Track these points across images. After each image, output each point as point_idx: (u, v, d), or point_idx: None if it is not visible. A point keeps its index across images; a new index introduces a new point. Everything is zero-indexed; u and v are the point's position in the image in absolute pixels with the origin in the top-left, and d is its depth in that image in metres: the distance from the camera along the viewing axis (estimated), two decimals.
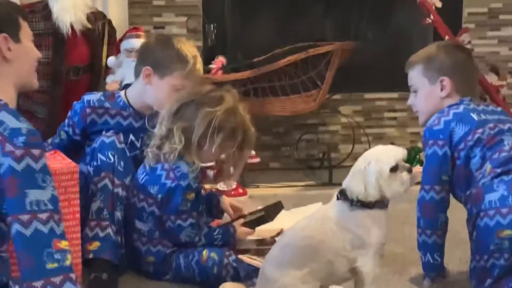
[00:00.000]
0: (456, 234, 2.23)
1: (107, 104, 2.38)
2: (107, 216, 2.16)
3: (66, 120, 2.43)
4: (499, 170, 1.91)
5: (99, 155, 2.21)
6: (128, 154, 2.28)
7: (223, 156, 2.29)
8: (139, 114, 2.44)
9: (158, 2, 3.72)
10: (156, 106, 2.39)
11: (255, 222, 2.35)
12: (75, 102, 2.41)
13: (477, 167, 1.99)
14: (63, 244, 1.50)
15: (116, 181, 2.18)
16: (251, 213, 2.43)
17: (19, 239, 1.46)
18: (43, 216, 1.48)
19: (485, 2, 3.97)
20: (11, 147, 1.48)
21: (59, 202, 1.53)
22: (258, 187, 3.50)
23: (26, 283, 1.47)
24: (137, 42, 3.09)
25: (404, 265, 2.34)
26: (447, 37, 3.42)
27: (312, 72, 3.48)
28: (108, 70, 3.29)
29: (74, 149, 2.42)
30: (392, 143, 3.81)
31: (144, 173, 2.25)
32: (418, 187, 2.09)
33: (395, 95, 3.99)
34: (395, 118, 4.02)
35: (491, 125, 2.03)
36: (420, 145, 3.77)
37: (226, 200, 2.50)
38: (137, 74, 2.35)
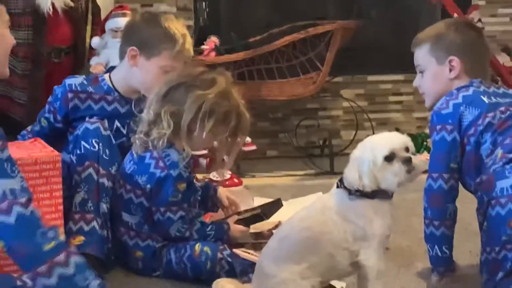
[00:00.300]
0: (466, 225, 2.23)
1: (90, 88, 2.36)
2: (92, 208, 2.15)
3: (47, 106, 2.41)
4: (511, 156, 1.91)
5: (82, 142, 2.19)
6: (113, 141, 2.26)
7: (215, 143, 2.28)
8: (125, 98, 2.42)
9: None
10: (143, 90, 2.37)
11: (250, 219, 2.35)
12: (55, 87, 2.39)
13: (487, 153, 1.98)
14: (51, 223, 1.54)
15: (101, 171, 2.17)
16: (246, 210, 2.42)
17: (5, 231, 1.46)
18: (22, 200, 1.49)
19: None
20: None
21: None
22: (254, 176, 3.49)
23: (31, 273, 1.48)
24: (123, 21, 3.05)
25: (411, 258, 2.34)
26: (455, 15, 3.41)
27: (311, 53, 3.47)
28: (92, 51, 3.28)
29: (55, 137, 2.40)
30: (397, 129, 3.82)
31: (132, 162, 2.24)
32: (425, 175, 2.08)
33: (400, 77, 3.98)
34: (400, 102, 4.01)
35: (503, 108, 2.02)
36: (427, 131, 3.76)
37: (223, 192, 2.48)
38: (122, 56, 2.33)
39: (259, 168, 3.60)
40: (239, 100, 2.23)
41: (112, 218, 2.23)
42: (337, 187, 1.94)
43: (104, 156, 2.19)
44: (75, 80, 2.38)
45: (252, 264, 2.06)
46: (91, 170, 2.17)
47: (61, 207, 2.06)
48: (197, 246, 2.18)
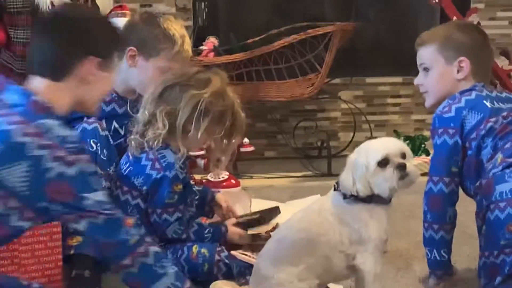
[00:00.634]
0: (464, 228, 2.21)
1: None
2: None
3: None
4: (510, 160, 1.89)
5: None
6: (111, 142, 2.24)
7: (211, 143, 2.26)
8: (123, 99, 2.40)
9: None
10: (141, 90, 2.35)
11: (248, 223, 2.33)
12: None
13: (488, 158, 1.96)
14: (132, 221, 1.66)
15: (99, 171, 2.15)
16: (244, 215, 2.41)
17: (95, 230, 1.60)
18: (107, 208, 1.61)
19: None
20: (62, 153, 1.54)
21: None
22: (252, 177, 3.47)
23: (115, 266, 1.64)
24: (122, 21, 3.02)
25: (409, 261, 2.33)
26: (454, 17, 3.40)
27: (310, 54, 3.45)
28: None
29: None
30: (395, 131, 3.82)
31: (128, 164, 2.22)
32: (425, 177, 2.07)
33: (399, 79, 3.97)
34: (398, 104, 4.00)
35: (505, 113, 2.00)
36: (425, 133, 3.76)
37: (220, 198, 2.46)
38: (120, 56, 2.31)
39: (257, 169, 3.59)
40: (234, 99, 2.21)
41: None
42: (334, 189, 1.93)
43: (102, 156, 2.17)
44: None
45: (250, 266, 2.05)
46: None
47: None
48: (195, 248, 2.16)
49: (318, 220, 1.90)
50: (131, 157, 2.21)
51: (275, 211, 2.44)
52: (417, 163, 2.72)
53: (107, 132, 2.23)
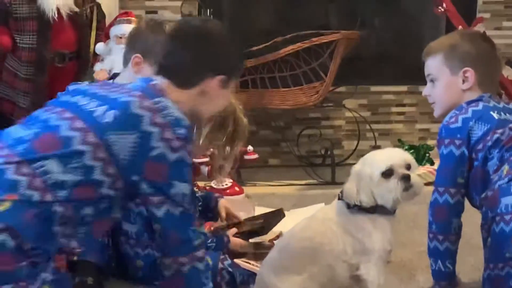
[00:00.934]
0: (469, 239, 2.20)
1: None
2: None
3: None
4: None
5: None
6: None
7: (214, 150, 2.25)
8: None
9: None
10: None
11: (249, 233, 2.33)
12: (59, 93, 2.37)
13: (494, 169, 1.95)
14: (198, 224, 1.72)
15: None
16: (248, 219, 2.40)
17: (170, 219, 1.63)
18: (188, 202, 1.64)
19: None
20: (170, 135, 1.59)
21: None
22: (255, 185, 3.47)
23: (173, 258, 1.65)
24: (128, 28, 3.05)
25: (412, 272, 2.32)
26: (460, 27, 3.39)
27: (315, 62, 3.46)
28: (96, 57, 3.26)
29: None
30: (400, 140, 3.82)
31: None
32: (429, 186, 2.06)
33: (403, 88, 3.97)
34: (403, 113, 4.00)
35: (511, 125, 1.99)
36: (429, 142, 3.75)
37: (223, 205, 2.45)
38: (126, 62, 2.31)
39: (261, 176, 3.58)
40: (236, 105, 2.20)
41: (112, 227, 2.20)
42: (338, 198, 1.94)
43: None
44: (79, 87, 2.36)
45: (253, 274, 2.05)
46: None
47: None
48: None
49: (321, 229, 1.91)
50: None
51: (279, 214, 2.42)
52: (421, 173, 2.73)
53: None
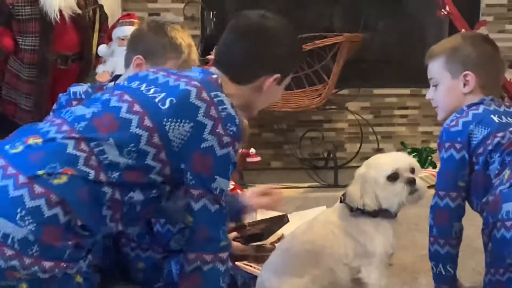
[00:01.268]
0: (470, 242, 2.19)
1: None
2: None
3: (51, 114, 2.39)
4: None
5: None
6: None
7: None
8: None
9: None
10: None
11: (249, 238, 2.32)
12: (60, 94, 2.37)
13: (495, 173, 1.94)
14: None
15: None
16: (251, 224, 2.39)
17: (205, 214, 1.64)
18: (224, 201, 1.66)
19: None
20: (222, 130, 1.62)
21: None
22: None
23: (197, 254, 1.64)
24: (130, 30, 3.04)
25: (414, 275, 2.31)
26: (463, 30, 3.38)
27: (317, 65, 3.45)
28: (99, 59, 3.27)
29: None
30: (402, 143, 3.81)
31: None
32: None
33: (406, 91, 3.96)
34: (406, 116, 3.99)
35: None
36: (432, 145, 3.75)
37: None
38: (127, 64, 2.31)
39: (263, 179, 3.57)
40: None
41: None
42: (340, 201, 1.93)
43: None
44: (80, 88, 2.35)
45: (254, 277, 2.05)
46: None
47: None
48: None
49: (323, 233, 1.90)
50: None
51: (282, 219, 2.42)
52: (423, 176, 2.72)
53: None
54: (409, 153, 3.67)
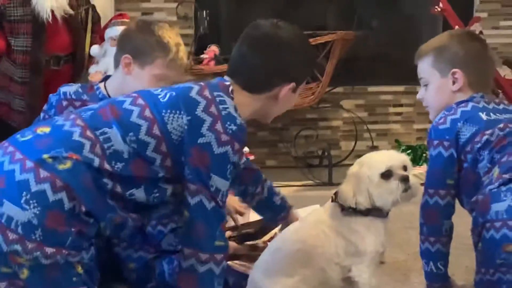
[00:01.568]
0: (463, 240, 2.18)
1: (85, 97, 2.32)
2: None
3: (42, 114, 2.37)
4: (507, 176, 1.85)
5: None
6: None
7: None
8: None
9: None
10: None
11: (243, 237, 2.32)
12: (51, 95, 2.36)
13: (485, 171, 1.93)
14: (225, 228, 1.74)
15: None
16: (244, 225, 2.39)
17: (201, 210, 1.64)
18: (222, 200, 1.66)
19: None
20: (220, 128, 1.62)
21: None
22: None
23: (192, 251, 1.64)
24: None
25: (407, 273, 2.30)
26: (457, 26, 3.38)
27: None
28: (91, 59, 3.25)
29: None
30: (397, 140, 3.80)
31: None
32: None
33: (401, 88, 3.95)
34: (400, 114, 3.98)
35: (501, 125, 1.96)
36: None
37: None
38: (116, 64, 2.30)
39: None
40: None
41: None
42: (332, 201, 1.92)
43: None
44: (70, 88, 2.34)
45: (247, 277, 2.03)
46: None
47: None
48: None
49: (313, 232, 1.89)
50: None
51: None
52: (417, 173, 2.71)
53: None
54: (404, 151, 3.67)
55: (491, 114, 1.99)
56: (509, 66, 3.72)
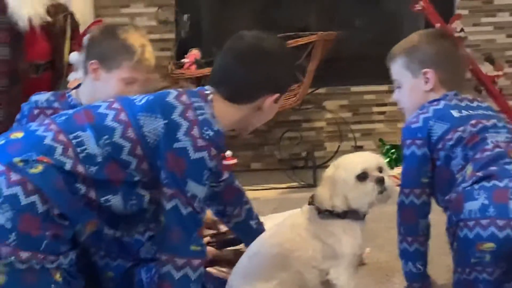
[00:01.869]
0: (444, 239, 2.16)
1: (56, 104, 2.30)
2: None
3: (14, 124, 2.35)
4: (480, 174, 1.84)
5: None
6: None
7: None
8: None
9: None
10: None
11: (223, 243, 2.29)
12: (23, 104, 2.34)
13: (458, 169, 1.92)
14: (202, 234, 1.72)
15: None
16: (226, 232, 2.36)
17: (176, 215, 1.63)
18: (199, 205, 1.64)
19: None
20: (197, 133, 1.61)
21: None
22: None
23: (168, 257, 1.63)
24: None
25: (388, 274, 2.29)
26: (438, 24, 3.36)
27: None
28: (70, 66, 3.21)
29: None
30: (381, 140, 3.78)
31: None
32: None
33: (384, 87, 3.92)
34: (384, 113, 3.96)
35: (474, 121, 1.95)
36: None
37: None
38: (86, 71, 2.28)
39: (243, 180, 3.46)
40: None
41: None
42: (309, 204, 1.91)
43: None
44: (41, 97, 2.32)
45: (225, 283, 2.01)
46: None
47: None
48: None
49: (290, 236, 1.90)
50: None
51: None
52: (398, 173, 2.69)
53: None
54: (388, 150, 3.65)
55: (463, 111, 1.98)
56: (491, 63, 3.70)
